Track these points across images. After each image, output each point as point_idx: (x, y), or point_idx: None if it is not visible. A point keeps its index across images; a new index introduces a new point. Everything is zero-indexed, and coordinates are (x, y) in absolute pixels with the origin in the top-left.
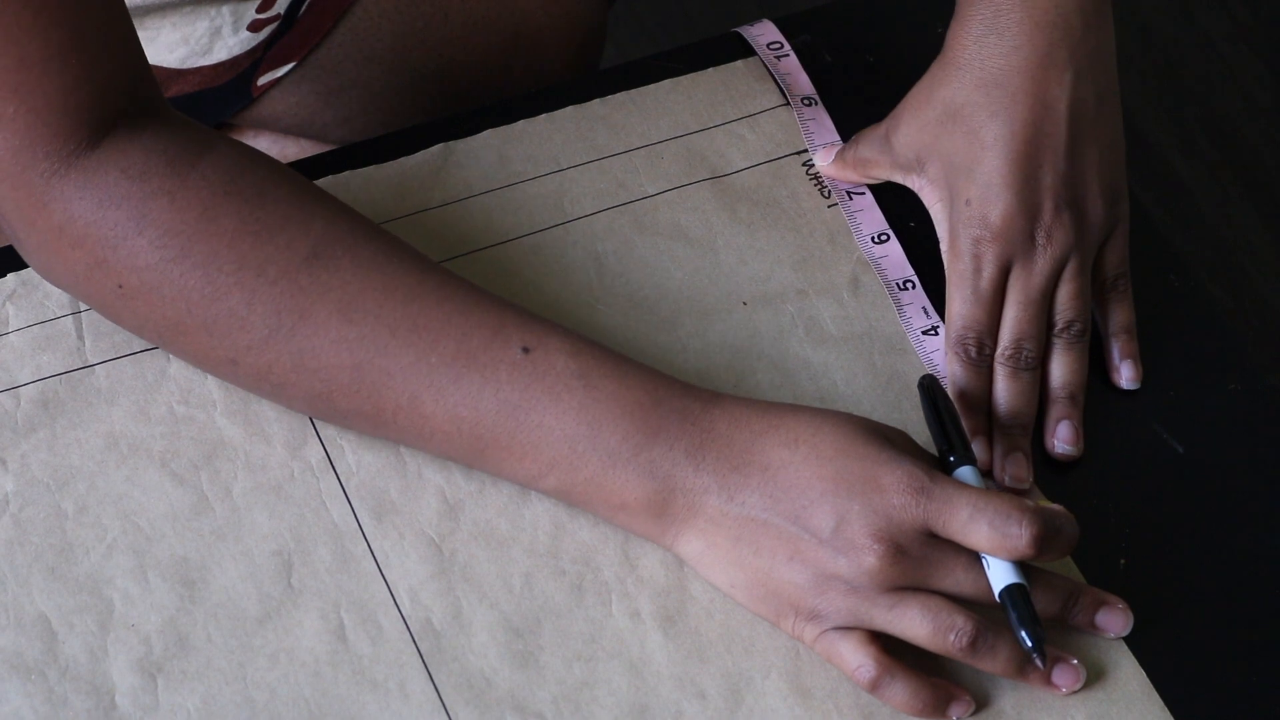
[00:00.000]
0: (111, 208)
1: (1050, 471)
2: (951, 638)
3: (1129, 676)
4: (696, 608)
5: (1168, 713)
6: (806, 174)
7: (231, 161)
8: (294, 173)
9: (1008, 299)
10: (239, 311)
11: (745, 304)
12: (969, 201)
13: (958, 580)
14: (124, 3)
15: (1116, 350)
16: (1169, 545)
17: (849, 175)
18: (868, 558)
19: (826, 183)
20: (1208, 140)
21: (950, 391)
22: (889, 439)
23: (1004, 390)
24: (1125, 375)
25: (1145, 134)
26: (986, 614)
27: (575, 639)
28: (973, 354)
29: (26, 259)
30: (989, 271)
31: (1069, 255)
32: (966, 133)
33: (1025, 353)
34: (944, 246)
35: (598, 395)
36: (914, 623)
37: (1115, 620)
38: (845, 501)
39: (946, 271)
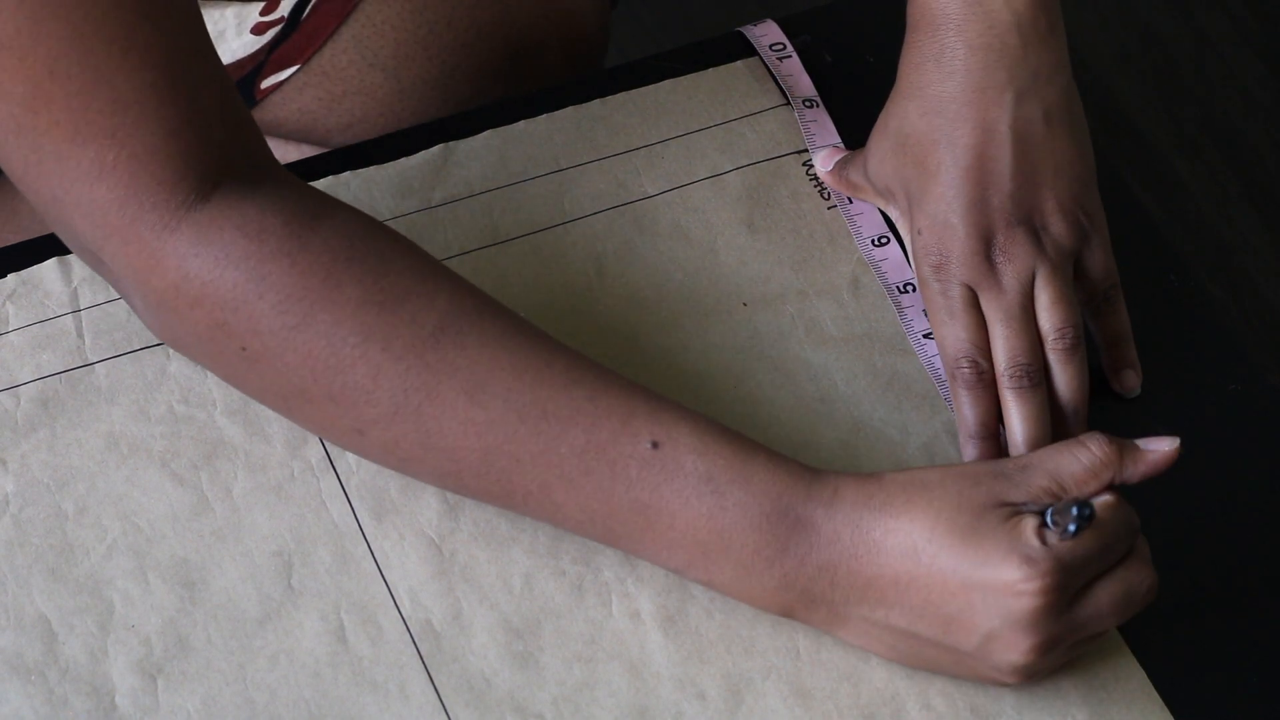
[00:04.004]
0: (230, 268)
1: None
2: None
3: (1129, 676)
4: (696, 608)
5: (1168, 713)
6: (806, 174)
7: (351, 228)
8: (411, 242)
9: (990, 322)
10: (365, 385)
11: (745, 305)
12: (920, 231)
13: (1102, 610)
14: (218, 56)
15: (1115, 359)
16: (1169, 545)
17: (842, 190)
18: (1020, 660)
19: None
20: (1208, 140)
21: (960, 420)
22: (991, 515)
23: (1016, 415)
24: (1125, 383)
25: (1145, 134)
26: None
27: (575, 639)
28: (969, 375)
29: (143, 320)
30: (955, 293)
31: (1033, 268)
32: (915, 162)
33: (1025, 369)
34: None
35: (725, 504)
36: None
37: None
38: (984, 618)
39: (924, 301)
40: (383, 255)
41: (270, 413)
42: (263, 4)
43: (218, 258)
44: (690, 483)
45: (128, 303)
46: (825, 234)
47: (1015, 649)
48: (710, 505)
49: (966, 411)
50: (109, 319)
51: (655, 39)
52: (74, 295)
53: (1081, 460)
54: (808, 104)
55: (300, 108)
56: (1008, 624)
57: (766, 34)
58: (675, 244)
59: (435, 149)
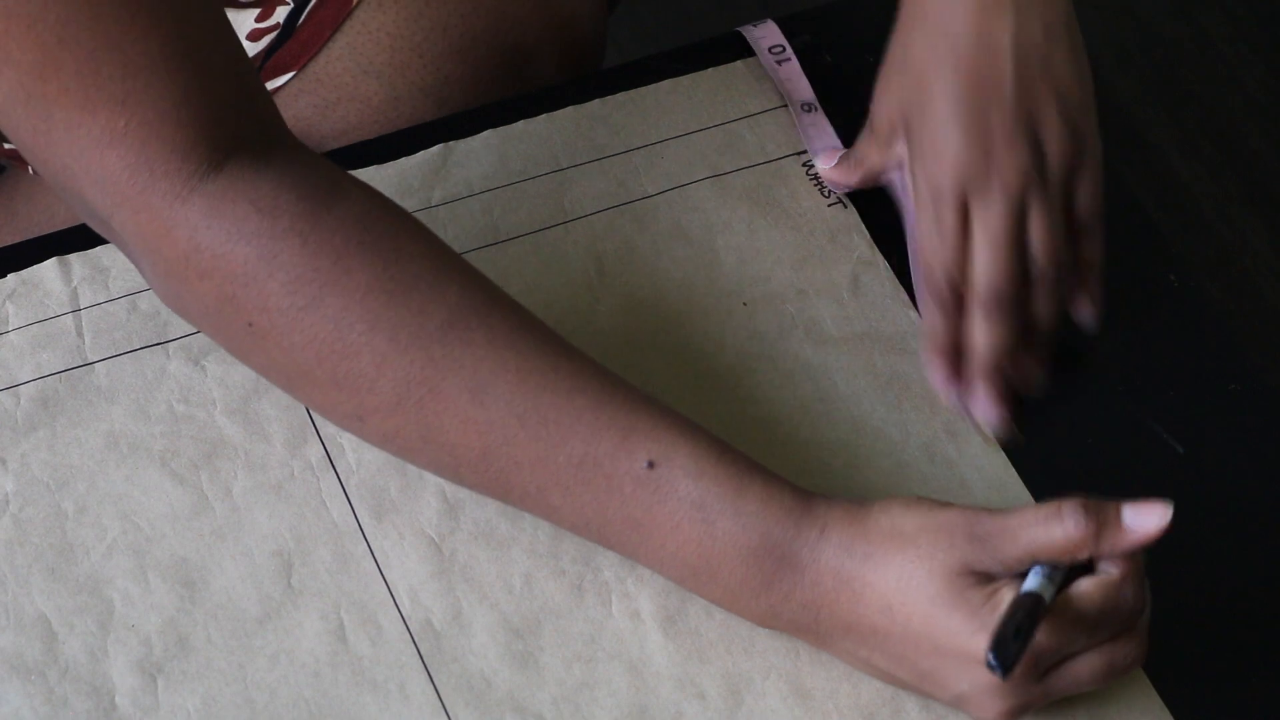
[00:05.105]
0: (241, 243)
1: (1051, 472)
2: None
3: (1129, 676)
4: (696, 608)
5: (1168, 713)
6: (806, 174)
7: (365, 209)
8: (426, 229)
9: (975, 242)
10: (368, 374)
11: (745, 304)
12: (920, 146)
13: (1080, 680)
14: (230, 24)
15: (1079, 284)
16: (1169, 545)
17: (850, 179)
18: (993, 718)
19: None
20: (1208, 140)
21: (929, 334)
22: (960, 582)
23: (982, 338)
24: (1081, 312)
25: (1145, 134)
26: None
27: (575, 639)
28: (945, 293)
29: (152, 287)
30: (948, 211)
31: (1028, 190)
32: (917, 82)
33: (1000, 295)
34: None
35: (714, 533)
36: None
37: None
38: (955, 681)
39: (916, 222)
40: (396, 241)
41: (271, 412)
42: (258, 10)
43: (229, 232)
44: (682, 508)
45: (137, 269)
46: (825, 233)
47: (987, 710)
48: (700, 533)
49: (937, 327)
50: (109, 318)
51: (655, 39)
52: (74, 295)
53: (1055, 535)
54: (807, 108)
55: (295, 115)
56: (977, 690)
57: (766, 35)
58: (675, 244)
59: (435, 149)
